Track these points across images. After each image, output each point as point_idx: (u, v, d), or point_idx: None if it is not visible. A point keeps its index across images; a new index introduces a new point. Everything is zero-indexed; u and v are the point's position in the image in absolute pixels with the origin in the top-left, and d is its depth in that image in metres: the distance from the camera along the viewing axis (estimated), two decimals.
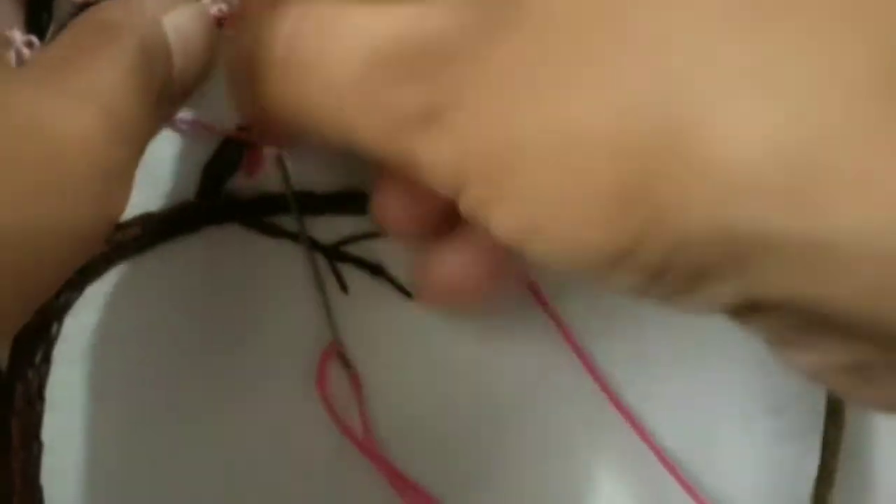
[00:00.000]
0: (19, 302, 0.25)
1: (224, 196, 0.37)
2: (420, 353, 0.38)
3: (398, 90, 0.26)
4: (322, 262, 0.37)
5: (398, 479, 0.37)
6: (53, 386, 0.35)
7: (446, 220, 0.32)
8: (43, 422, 0.35)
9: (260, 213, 0.37)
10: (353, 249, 0.38)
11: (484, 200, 0.26)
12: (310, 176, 0.37)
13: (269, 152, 0.36)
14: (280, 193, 0.37)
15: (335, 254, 0.38)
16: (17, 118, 0.24)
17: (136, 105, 0.28)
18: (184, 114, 0.36)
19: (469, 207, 0.26)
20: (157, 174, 0.36)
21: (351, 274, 0.38)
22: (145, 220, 0.36)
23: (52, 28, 0.35)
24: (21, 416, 0.35)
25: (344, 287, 0.37)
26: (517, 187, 0.25)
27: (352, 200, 0.37)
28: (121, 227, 0.35)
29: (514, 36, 0.25)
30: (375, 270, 0.38)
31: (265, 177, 0.37)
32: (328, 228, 0.37)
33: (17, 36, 0.34)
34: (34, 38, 0.34)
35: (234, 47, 0.31)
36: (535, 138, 0.25)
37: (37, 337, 0.34)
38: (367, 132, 0.27)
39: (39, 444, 0.35)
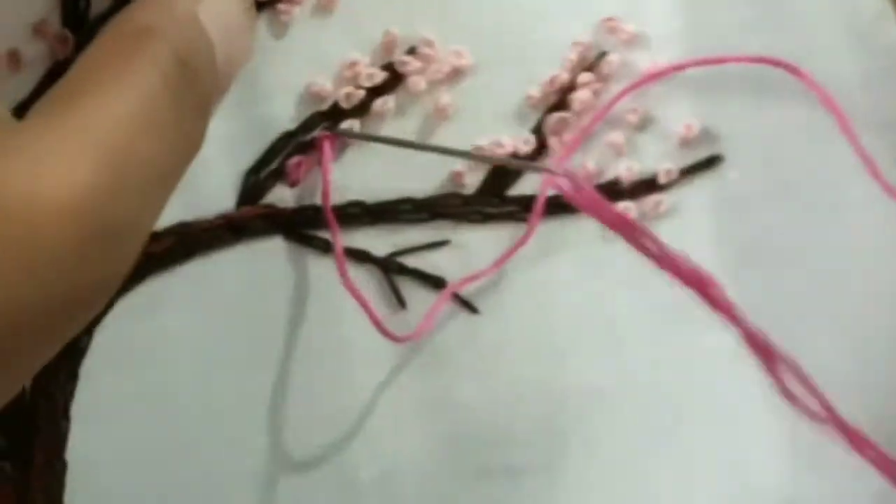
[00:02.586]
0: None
1: (266, 206, 0.34)
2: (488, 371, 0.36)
3: None
4: (377, 275, 0.35)
5: None
6: (79, 402, 0.33)
7: None
8: (68, 440, 0.33)
9: (305, 226, 0.34)
10: (412, 261, 0.35)
11: None
12: (362, 183, 0.34)
13: (313, 159, 0.34)
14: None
15: (391, 266, 0.35)
16: None
17: (161, 136, 0.25)
18: None
19: None
20: (194, 181, 0.33)
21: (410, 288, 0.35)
22: (180, 230, 0.33)
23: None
24: (44, 434, 0.32)
25: (402, 302, 0.35)
26: None
27: (408, 209, 0.35)
28: (154, 237, 0.33)
29: None
30: (437, 283, 0.35)
31: (310, 187, 0.35)
32: (383, 239, 0.35)
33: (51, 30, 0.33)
34: (68, 33, 0.33)
35: None
36: None
37: (63, 352, 0.32)
38: None
39: (63, 464, 0.33)
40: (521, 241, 0.35)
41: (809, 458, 0.37)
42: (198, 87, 0.27)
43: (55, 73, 0.32)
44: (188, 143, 0.28)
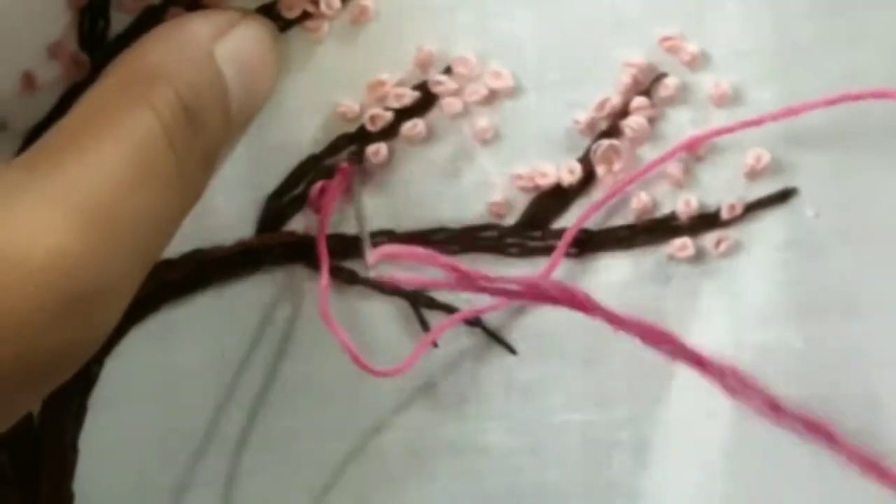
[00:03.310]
0: None
1: (288, 233, 0.33)
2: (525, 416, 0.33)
3: None
4: (405, 308, 0.33)
5: None
6: (89, 433, 0.32)
7: None
8: (75, 471, 0.32)
9: (330, 255, 0.32)
10: (443, 296, 0.33)
11: None
12: (393, 211, 0.33)
13: (341, 184, 0.33)
14: (353, 234, 0.32)
15: (420, 300, 0.33)
16: None
17: (156, 190, 0.25)
18: None
19: None
20: (212, 206, 0.32)
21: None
22: (196, 257, 0.32)
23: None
24: (52, 465, 0.32)
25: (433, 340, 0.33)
26: None
27: (440, 239, 0.32)
28: (169, 264, 0.32)
29: None
30: (471, 321, 0.33)
31: (336, 214, 0.32)
32: (414, 271, 0.32)
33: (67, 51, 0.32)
34: (84, 55, 0.32)
35: None
36: None
37: (73, 382, 0.32)
38: None
39: (70, 496, 0.32)
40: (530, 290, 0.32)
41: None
42: (204, 136, 0.26)
43: (71, 95, 0.32)
44: (186, 196, 0.26)
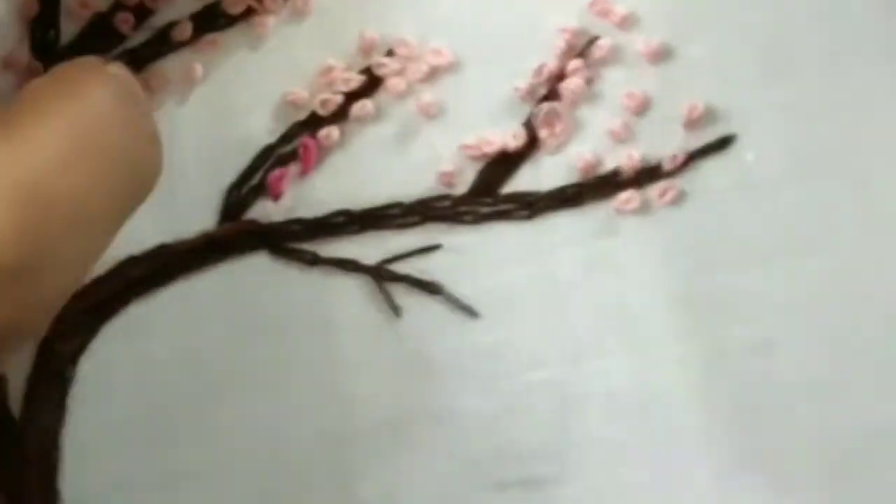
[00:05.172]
0: None
1: (249, 222, 0.33)
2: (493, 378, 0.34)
3: None
4: (369, 283, 0.34)
5: None
6: (70, 431, 0.32)
7: None
8: (59, 470, 0.33)
9: (290, 239, 0.33)
10: (405, 268, 0.34)
11: None
12: (347, 191, 0.33)
13: (293, 173, 0.34)
14: (312, 217, 0.33)
15: (382, 274, 0.34)
16: None
17: (103, 165, 0.25)
18: None
19: None
20: (174, 200, 0.33)
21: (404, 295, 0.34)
22: (161, 252, 0.33)
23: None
24: (35, 465, 0.32)
25: (397, 311, 0.34)
26: None
27: (396, 214, 0.33)
28: (134, 261, 0.32)
29: None
30: (432, 289, 0.34)
31: (293, 199, 0.33)
32: (373, 247, 0.33)
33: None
34: (38, 64, 0.32)
35: None
36: None
37: (50, 382, 0.32)
38: None
39: (55, 494, 0.32)
40: None
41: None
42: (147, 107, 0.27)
43: None
44: (139, 173, 0.26)
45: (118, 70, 0.26)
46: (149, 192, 0.27)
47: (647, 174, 0.33)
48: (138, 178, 0.27)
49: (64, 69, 0.27)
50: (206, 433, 0.33)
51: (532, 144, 0.33)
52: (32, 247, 0.23)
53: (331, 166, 0.33)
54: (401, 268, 0.33)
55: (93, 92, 0.26)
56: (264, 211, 0.33)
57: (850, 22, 0.34)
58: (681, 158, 0.33)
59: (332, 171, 0.33)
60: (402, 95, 0.33)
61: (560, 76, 0.33)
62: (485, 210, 0.34)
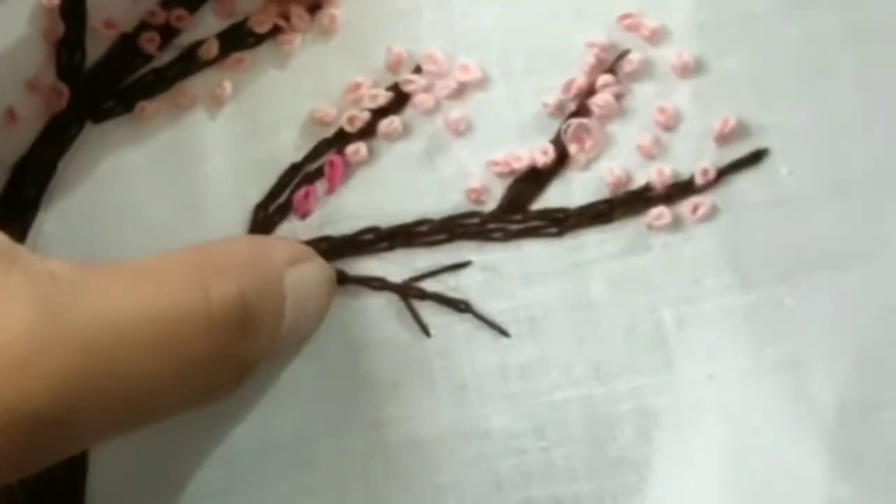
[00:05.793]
0: None
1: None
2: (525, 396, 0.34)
3: None
4: (396, 302, 0.33)
5: None
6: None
7: None
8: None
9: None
10: (434, 286, 0.34)
11: None
12: (375, 207, 0.33)
13: (320, 190, 0.34)
14: (340, 235, 0.33)
15: (410, 292, 0.33)
16: None
17: (160, 358, 0.25)
18: None
19: None
20: (202, 219, 0.33)
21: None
22: None
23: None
24: (62, 476, 0.32)
25: (425, 330, 0.33)
26: None
27: (425, 231, 0.33)
28: None
29: None
30: (461, 307, 0.34)
31: (321, 217, 0.33)
32: (401, 264, 0.33)
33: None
34: (63, 86, 0.33)
35: None
36: None
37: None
38: None
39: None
40: None
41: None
42: (249, 343, 0.28)
43: (51, 127, 0.33)
44: (199, 386, 0.27)
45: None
46: (212, 402, 0.28)
47: (679, 190, 0.33)
48: (201, 389, 0.27)
49: (179, 258, 0.28)
50: (230, 452, 0.34)
51: (561, 160, 0.33)
52: (74, 403, 0.24)
53: (359, 183, 0.33)
54: (429, 285, 0.33)
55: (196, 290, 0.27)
56: (292, 229, 0.33)
57: (884, 35, 0.33)
58: (713, 173, 0.33)
59: (360, 188, 0.33)
60: (429, 112, 0.33)
61: (589, 91, 0.33)
62: (514, 227, 0.33)
